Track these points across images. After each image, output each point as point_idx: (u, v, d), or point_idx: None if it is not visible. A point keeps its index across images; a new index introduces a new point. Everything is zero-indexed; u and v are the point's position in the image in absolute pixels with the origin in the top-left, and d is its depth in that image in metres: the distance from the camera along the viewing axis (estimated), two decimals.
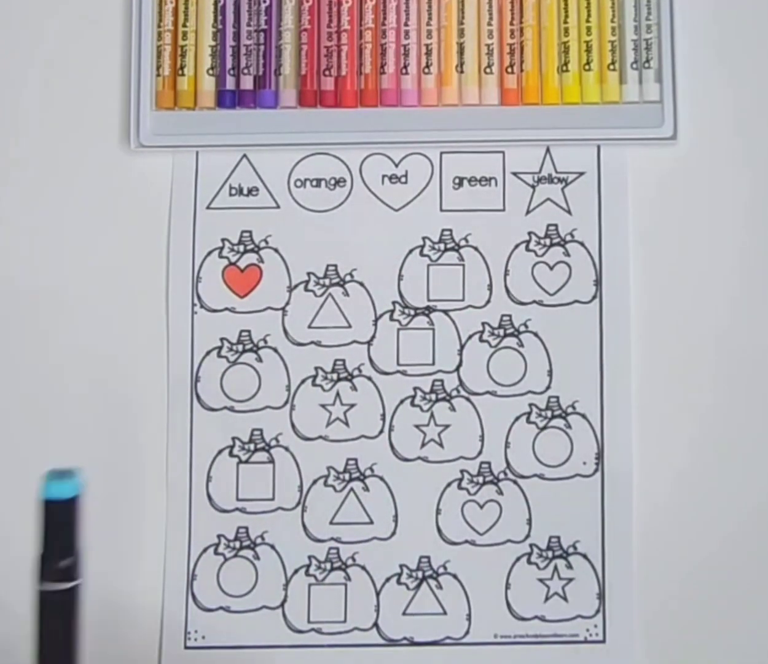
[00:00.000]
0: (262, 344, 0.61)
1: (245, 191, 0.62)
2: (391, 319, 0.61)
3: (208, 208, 0.62)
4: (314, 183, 0.62)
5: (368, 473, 0.60)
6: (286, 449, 0.61)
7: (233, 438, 0.61)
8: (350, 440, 0.59)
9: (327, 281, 0.61)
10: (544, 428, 0.60)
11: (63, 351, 0.61)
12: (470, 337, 0.61)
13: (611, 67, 0.60)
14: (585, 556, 0.60)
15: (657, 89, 0.60)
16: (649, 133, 0.60)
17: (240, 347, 0.61)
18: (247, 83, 0.61)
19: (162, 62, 0.61)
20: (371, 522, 0.60)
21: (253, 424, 0.61)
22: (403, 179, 0.62)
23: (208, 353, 0.61)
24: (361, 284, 0.61)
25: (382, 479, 0.60)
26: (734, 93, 0.62)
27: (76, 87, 0.63)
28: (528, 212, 0.61)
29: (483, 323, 0.61)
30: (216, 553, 0.60)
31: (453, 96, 0.61)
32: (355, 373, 0.61)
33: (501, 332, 0.61)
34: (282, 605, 0.60)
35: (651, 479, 0.60)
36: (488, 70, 0.61)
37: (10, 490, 0.61)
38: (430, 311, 0.61)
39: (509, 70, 0.61)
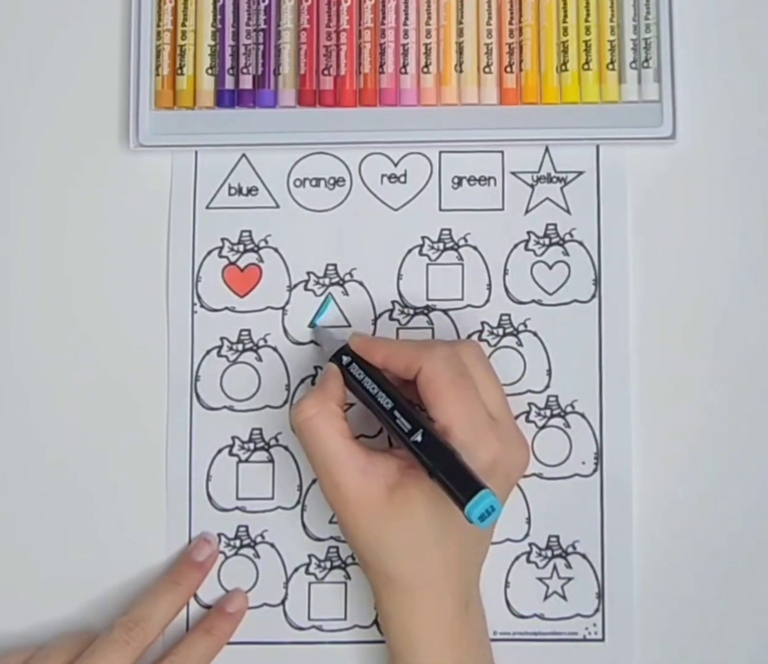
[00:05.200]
0: (261, 343, 0.61)
1: (245, 191, 0.62)
2: (391, 318, 0.61)
3: (207, 207, 0.62)
4: (313, 182, 0.62)
5: None
6: (286, 448, 0.61)
7: (233, 437, 0.61)
8: None
9: (326, 281, 0.62)
10: (543, 427, 0.60)
11: (63, 350, 0.62)
12: (469, 336, 0.61)
13: (610, 66, 0.60)
14: (584, 555, 0.60)
15: (656, 89, 0.60)
16: (648, 132, 0.60)
17: (240, 347, 0.61)
18: (246, 83, 0.61)
19: (161, 62, 0.61)
20: None
21: (252, 423, 0.61)
22: (402, 179, 0.62)
23: (208, 352, 0.61)
24: (361, 284, 0.61)
25: None
26: (733, 92, 0.61)
27: (76, 87, 0.63)
28: (527, 212, 0.61)
29: (482, 322, 0.61)
30: None
31: (452, 95, 0.61)
32: None
33: (500, 331, 0.61)
34: (283, 602, 0.60)
35: (650, 479, 0.60)
36: (487, 69, 0.61)
37: (8, 492, 0.61)
38: (430, 311, 0.61)
39: (508, 69, 0.61)
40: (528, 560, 0.60)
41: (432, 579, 0.54)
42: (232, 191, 0.62)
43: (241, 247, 0.62)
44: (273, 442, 0.61)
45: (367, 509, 0.53)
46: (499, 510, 0.49)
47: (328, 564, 0.61)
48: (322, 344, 0.60)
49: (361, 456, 0.53)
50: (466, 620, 0.54)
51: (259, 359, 0.61)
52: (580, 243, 0.61)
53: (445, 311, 0.61)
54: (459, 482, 0.50)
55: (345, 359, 0.57)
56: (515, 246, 0.61)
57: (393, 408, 0.54)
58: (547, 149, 0.62)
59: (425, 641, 0.54)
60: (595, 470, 0.60)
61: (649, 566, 0.60)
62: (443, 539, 0.53)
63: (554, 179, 0.61)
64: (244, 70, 0.61)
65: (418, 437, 0.52)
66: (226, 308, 0.62)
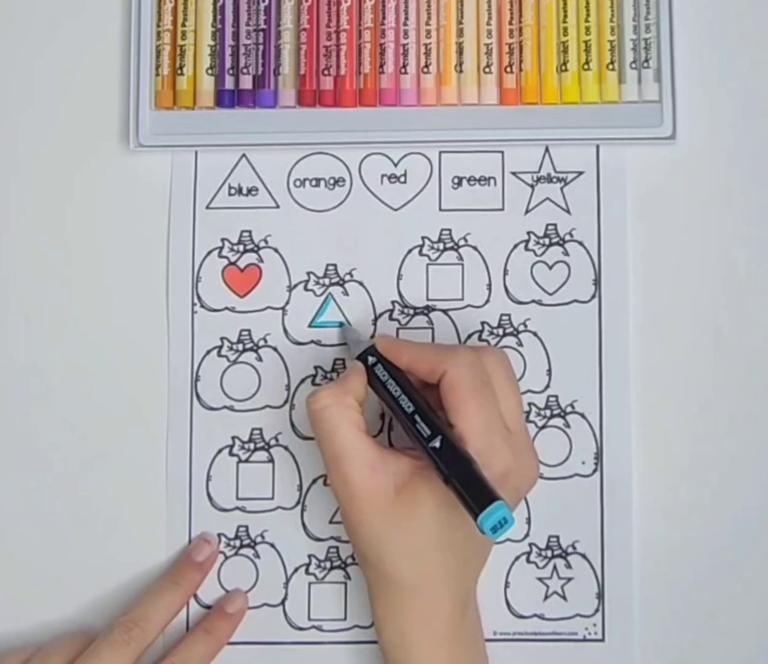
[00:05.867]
0: (262, 343, 0.61)
1: (244, 191, 0.62)
2: (391, 318, 0.61)
3: (207, 207, 0.62)
4: (313, 183, 0.62)
5: None
6: (286, 448, 0.61)
7: (233, 437, 0.61)
8: None
9: (327, 281, 0.62)
10: (543, 427, 0.61)
11: (63, 350, 0.62)
12: (469, 336, 0.61)
13: (610, 66, 0.60)
14: (584, 556, 0.60)
15: (656, 89, 0.60)
16: (648, 132, 0.60)
17: (240, 347, 0.61)
18: (246, 83, 0.61)
19: (161, 62, 0.61)
20: None
21: (252, 423, 0.61)
22: (402, 179, 0.62)
23: (208, 352, 0.61)
24: (361, 284, 0.61)
25: None
26: (733, 93, 0.61)
27: (76, 87, 0.63)
28: (527, 212, 0.61)
29: (482, 323, 0.61)
30: None
31: (452, 95, 0.61)
32: None
33: (500, 331, 0.61)
34: (282, 602, 0.60)
35: (650, 479, 0.60)
36: (487, 69, 0.61)
37: (8, 491, 0.61)
38: (430, 311, 0.61)
39: (508, 69, 0.61)
40: (528, 560, 0.60)
41: (431, 582, 0.53)
42: (232, 191, 0.62)
43: (241, 248, 0.62)
44: (273, 442, 0.61)
45: (372, 506, 0.53)
46: (512, 523, 0.49)
47: (328, 564, 0.61)
48: (348, 344, 0.60)
49: (373, 452, 0.53)
50: (463, 623, 0.54)
51: (259, 359, 0.61)
52: (580, 243, 0.61)
53: (445, 311, 0.61)
54: (474, 492, 0.50)
55: (371, 359, 0.57)
56: (515, 246, 0.61)
57: (414, 412, 0.54)
58: (547, 149, 0.62)
59: (420, 643, 0.53)
60: (595, 470, 0.60)
61: (649, 566, 0.60)
62: (447, 543, 0.53)
63: (554, 179, 0.61)
64: (244, 70, 0.61)
65: (437, 443, 0.52)
66: (226, 308, 0.62)
